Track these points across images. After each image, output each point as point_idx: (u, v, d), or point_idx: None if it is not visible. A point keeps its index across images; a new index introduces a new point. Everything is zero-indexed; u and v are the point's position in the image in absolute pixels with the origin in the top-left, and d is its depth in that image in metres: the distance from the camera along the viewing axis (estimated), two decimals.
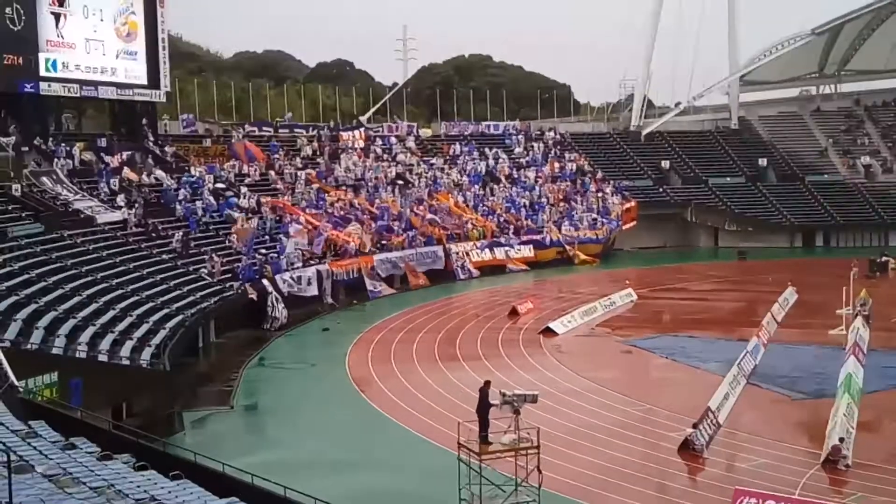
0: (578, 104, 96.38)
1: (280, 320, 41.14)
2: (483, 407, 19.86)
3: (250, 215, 49.40)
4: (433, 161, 68.91)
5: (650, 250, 71.18)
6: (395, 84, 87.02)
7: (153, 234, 42.54)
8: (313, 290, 45.46)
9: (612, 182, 72.78)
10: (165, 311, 33.48)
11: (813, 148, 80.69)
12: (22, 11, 44.54)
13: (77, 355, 25.44)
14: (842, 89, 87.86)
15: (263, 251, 45.66)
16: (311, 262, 46.72)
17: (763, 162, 77.74)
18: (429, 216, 58.17)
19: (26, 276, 30.19)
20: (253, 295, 40.51)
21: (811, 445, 23.46)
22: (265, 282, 41.94)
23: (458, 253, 56.32)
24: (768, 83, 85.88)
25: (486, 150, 72.93)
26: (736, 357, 30.66)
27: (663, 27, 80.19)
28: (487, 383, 20.64)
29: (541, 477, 18.58)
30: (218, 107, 70.70)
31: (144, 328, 30.76)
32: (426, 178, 65.58)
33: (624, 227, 68.83)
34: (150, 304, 33.52)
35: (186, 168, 53.48)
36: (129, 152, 50.90)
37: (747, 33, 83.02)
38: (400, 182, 63.49)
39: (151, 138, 54.72)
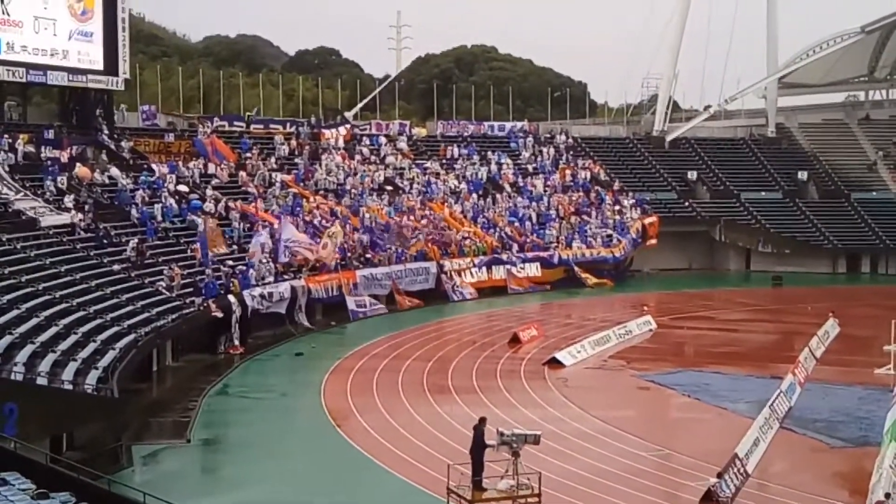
0: (594, 104, 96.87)
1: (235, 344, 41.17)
2: (477, 447, 19.79)
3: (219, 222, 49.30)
4: (427, 165, 68.91)
5: (672, 272, 71.18)
6: (387, 77, 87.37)
7: (104, 241, 42.38)
8: (282, 308, 45.39)
9: (630, 194, 72.85)
10: (115, 328, 33.33)
11: (860, 161, 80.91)
12: None
13: (12, 377, 25.25)
14: (894, 95, 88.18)
15: (231, 263, 45.54)
16: (285, 276, 46.65)
17: (803, 175, 77.89)
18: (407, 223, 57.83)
19: None
20: (217, 313, 40.38)
21: (852, 500, 23.39)
22: (231, 298, 41.83)
23: (451, 271, 56.26)
24: (811, 86, 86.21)
25: (489, 153, 72.99)
26: (768, 397, 30.52)
27: (693, 20, 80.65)
28: (483, 420, 20.61)
29: None
30: (183, 97, 70.76)
31: (91, 348, 30.59)
32: (419, 183, 65.60)
33: (643, 246, 68.88)
34: (99, 321, 33.37)
35: (145, 166, 53.41)
36: (81, 146, 50.86)
37: (788, 29, 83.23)
38: (389, 188, 63.48)
39: (106, 131, 54.71)
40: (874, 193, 77.56)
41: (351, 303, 49.18)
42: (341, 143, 67.18)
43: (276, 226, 49.75)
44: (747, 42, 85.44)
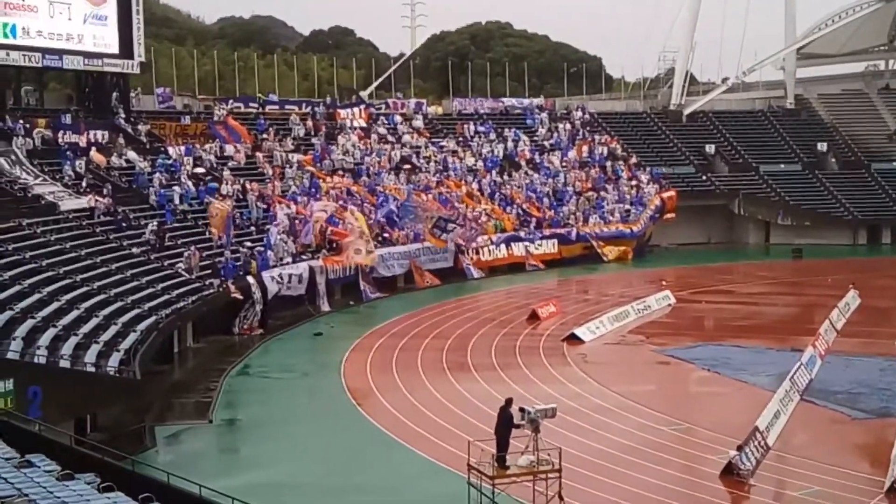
0: (611, 79, 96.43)
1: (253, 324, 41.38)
2: (505, 427, 19.79)
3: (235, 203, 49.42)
4: (444, 143, 68.85)
5: (691, 247, 71.11)
6: (402, 55, 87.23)
7: (123, 224, 42.61)
8: (301, 290, 45.53)
9: (648, 168, 72.66)
10: (136, 311, 33.50)
11: (880, 131, 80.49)
12: None
13: (35, 360, 25.49)
14: None
15: (249, 244, 45.70)
16: (303, 256, 46.80)
17: (823, 147, 77.55)
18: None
19: None
20: (236, 294, 40.58)
21: (873, 471, 23.38)
22: (250, 279, 42.02)
23: (469, 249, 56.31)
24: (830, 57, 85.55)
25: (505, 130, 72.87)
26: (788, 370, 30.56)
27: None
28: (510, 401, 20.55)
29: None
30: (198, 80, 70.91)
31: (112, 331, 30.78)
32: (436, 162, 65.61)
33: (662, 220, 68.75)
34: (120, 304, 33.55)
35: (162, 149, 53.59)
36: (98, 131, 51.02)
37: None
38: (406, 167, 63.48)
39: (123, 115, 54.83)
40: (895, 164, 77.11)
41: (363, 285, 49.22)
42: (357, 124, 67.06)
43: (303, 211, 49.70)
44: (765, 13, 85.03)
